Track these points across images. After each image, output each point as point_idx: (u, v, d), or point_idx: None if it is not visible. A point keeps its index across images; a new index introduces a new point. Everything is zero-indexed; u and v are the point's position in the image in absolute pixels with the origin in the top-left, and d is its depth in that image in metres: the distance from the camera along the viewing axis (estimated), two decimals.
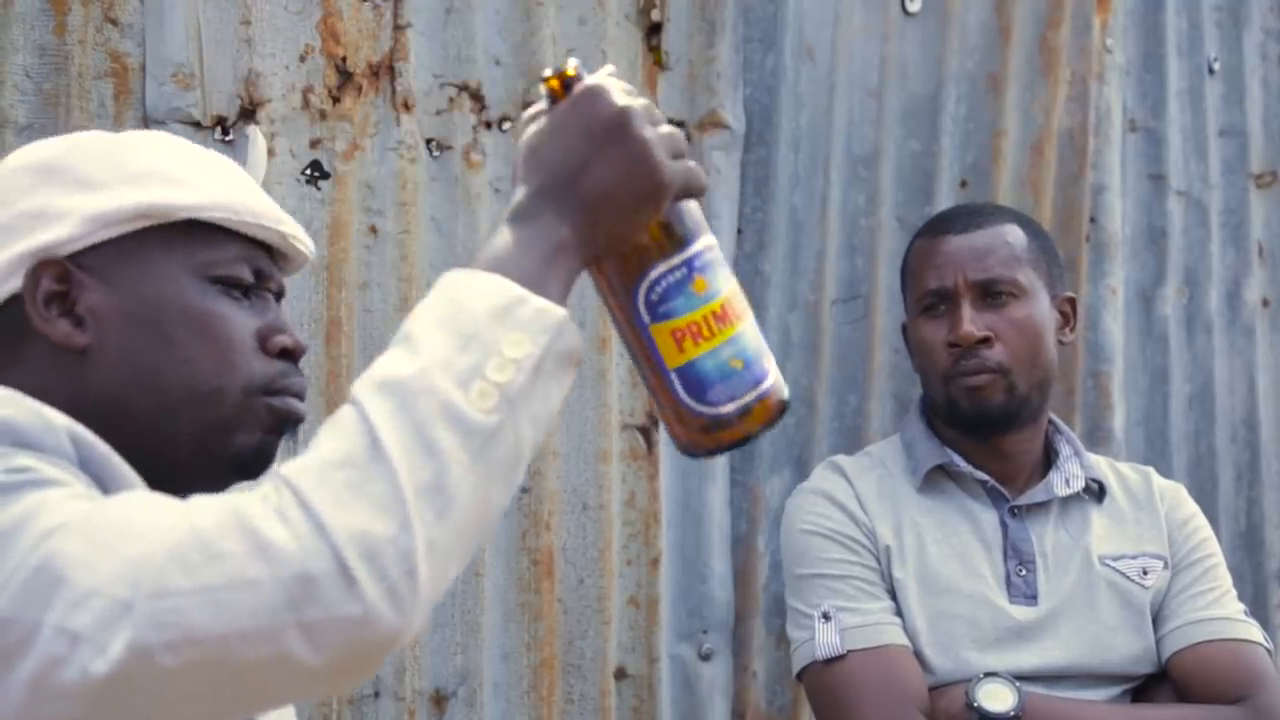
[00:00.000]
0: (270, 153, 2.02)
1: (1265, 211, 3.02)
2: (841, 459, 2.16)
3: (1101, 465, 2.16)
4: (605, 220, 1.06)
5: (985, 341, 2.03)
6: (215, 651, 0.89)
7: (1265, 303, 3.01)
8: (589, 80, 1.10)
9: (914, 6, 2.53)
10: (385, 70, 2.11)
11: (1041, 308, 2.07)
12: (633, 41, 2.31)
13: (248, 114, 2.01)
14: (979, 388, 2.03)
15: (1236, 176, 2.97)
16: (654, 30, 2.33)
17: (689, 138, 2.36)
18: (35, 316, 1.15)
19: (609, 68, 1.13)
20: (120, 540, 0.92)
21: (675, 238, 1.11)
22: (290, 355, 1.22)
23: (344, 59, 2.08)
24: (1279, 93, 3.05)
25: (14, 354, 1.16)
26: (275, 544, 0.90)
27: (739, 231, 2.40)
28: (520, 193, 1.07)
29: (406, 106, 2.12)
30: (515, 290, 1.00)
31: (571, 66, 1.11)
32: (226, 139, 2.00)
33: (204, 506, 0.94)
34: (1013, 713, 1.90)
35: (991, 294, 2.05)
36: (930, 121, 2.55)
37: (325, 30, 2.07)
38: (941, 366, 2.06)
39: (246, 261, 1.21)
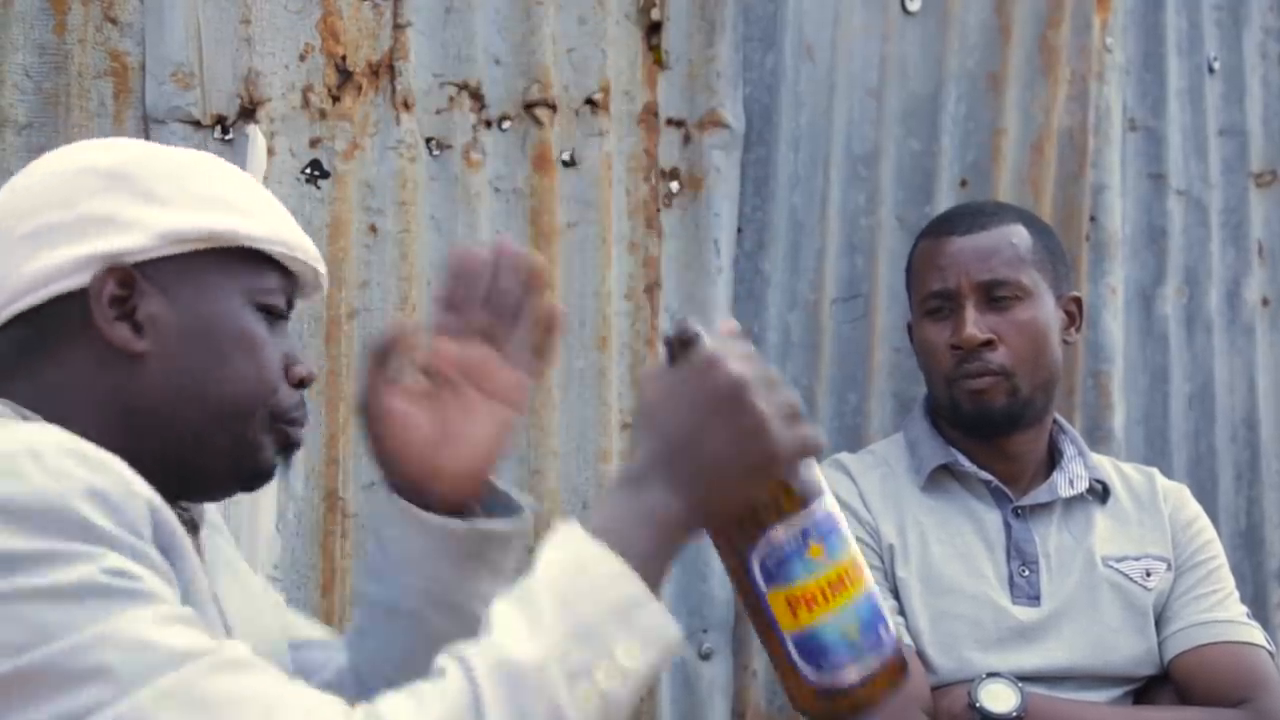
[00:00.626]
0: (270, 152, 2.02)
1: (1265, 211, 3.02)
2: (845, 457, 2.15)
3: (1105, 466, 2.16)
4: (717, 493, 1.07)
5: (988, 344, 2.02)
6: None
7: (1265, 302, 3.01)
8: (709, 346, 1.10)
9: (914, 6, 2.53)
10: (385, 69, 2.11)
11: (1046, 309, 2.06)
12: (633, 41, 2.31)
13: (247, 113, 2.01)
14: (982, 390, 2.02)
15: (1236, 176, 2.97)
16: (654, 29, 2.33)
17: (689, 137, 2.36)
18: (100, 317, 1.17)
19: (730, 325, 1.15)
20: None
21: (793, 501, 1.11)
22: (304, 384, 1.27)
23: (344, 58, 2.08)
24: (1279, 92, 3.05)
25: (56, 351, 1.18)
26: None
27: (739, 231, 2.40)
28: (637, 454, 1.09)
29: (406, 106, 2.12)
30: (638, 588, 1.01)
31: (693, 328, 1.11)
32: (226, 138, 2.00)
33: (316, 706, 0.96)
34: (1015, 713, 1.90)
35: (995, 296, 2.04)
36: (930, 121, 2.55)
37: (325, 29, 2.07)
38: (944, 368, 2.05)
39: (284, 292, 1.26)
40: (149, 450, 1.15)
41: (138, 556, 1.02)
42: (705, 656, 2.33)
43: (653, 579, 1.03)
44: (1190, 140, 2.89)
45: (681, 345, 1.11)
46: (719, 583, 2.33)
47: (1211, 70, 2.94)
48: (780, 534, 1.10)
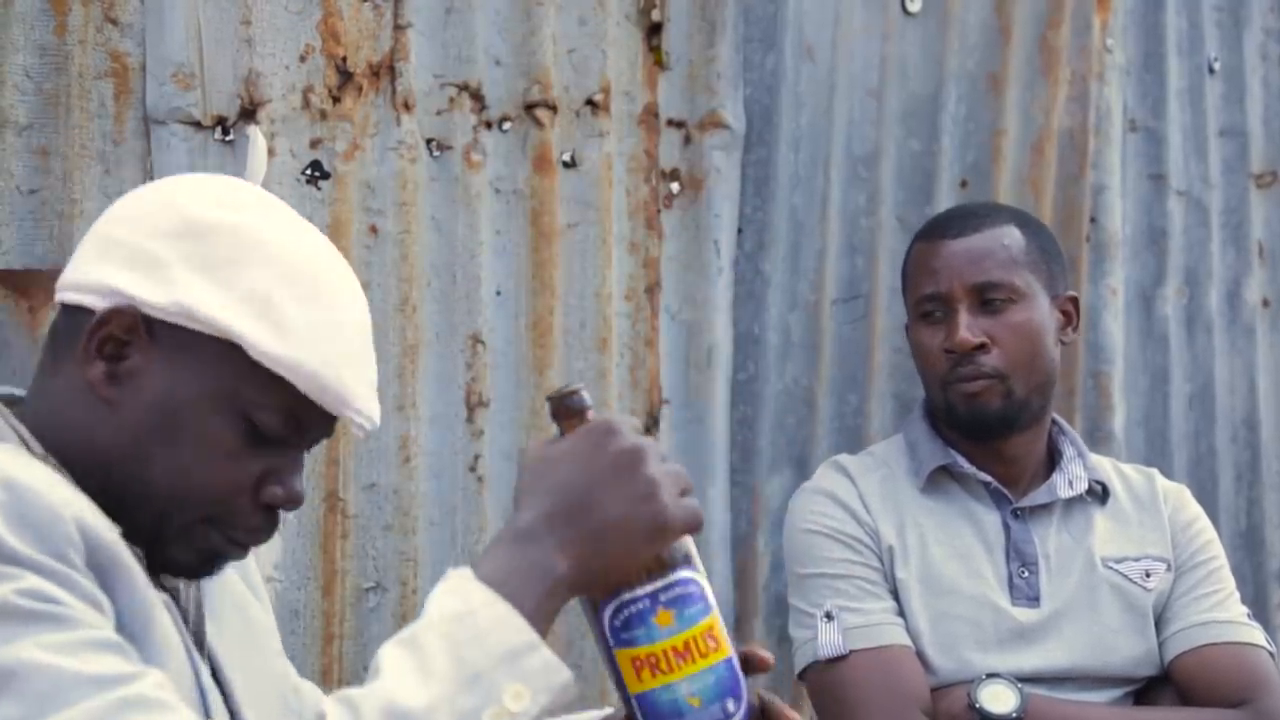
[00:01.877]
0: (270, 153, 2.02)
1: (1265, 211, 3.02)
2: (845, 458, 2.15)
3: (1105, 467, 2.15)
4: (605, 555, 1.08)
5: (982, 347, 2.02)
6: None
7: (1265, 303, 3.01)
8: (603, 415, 1.12)
9: (914, 6, 2.53)
10: (385, 70, 2.11)
11: (1040, 310, 2.06)
12: (633, 41, 2.31)
13: (248, 114, 2.01)
14: (976, 394, 2.02)
15: (1237, 176, 2.97)
16: (654, 30, 2.33)
17: (689, 138, 2.36)
18: (83, 350, 1.16)
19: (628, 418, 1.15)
20: None
21: (652, 566, 1.11)
22: (272, 506, 1.20)
23: (344, 59, 2.08)
24: (1279, 92, 3.05)
25: (64, 358, 1.18)
26: None
27: (739, 231, 2.40)
28: (526, 511, 1.08)
29: (407, 106, 2.12)
30: (528, 635, 1.02)
31: (581, 397, 1.13)
32: (226, 139, 2.00)
33: None
34: (1015, 714, 1.90)
35: (988, 299, 2.03)
36: (930, 121, 2.55)
37: (325, 30, 2.07)
38: (939, 372, 2.05)
39: (286, 415, 1.18)
40: (107, 485, 1.15)
41: (60, 581, 1.00)
42: None
43: (539, 631, 1.04)
44: (1190, 141, 2.90)
45: (569, 412, 1.13)
46: (719, 584, 2.33)
47: (1212, 71, 2.94)
48: (631, 596, 1.11)
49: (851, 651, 1.96)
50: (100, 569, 1.05)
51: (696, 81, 2.36)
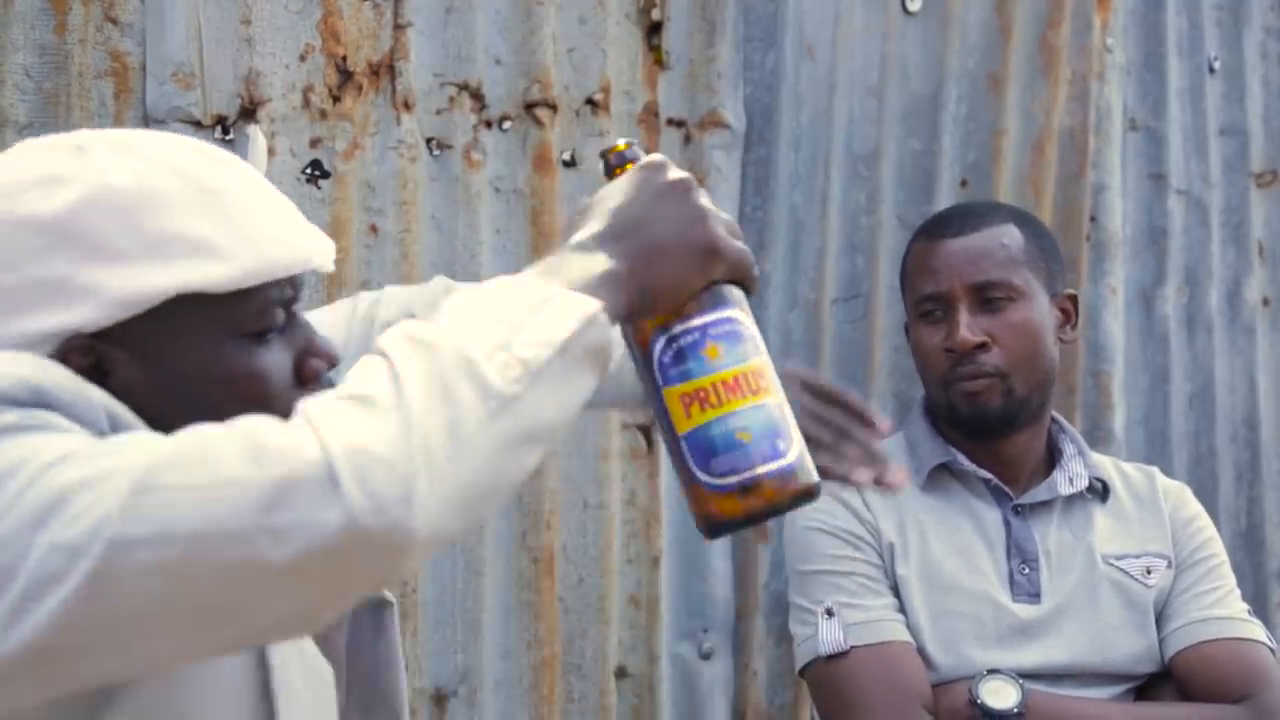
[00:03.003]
0: (270, 152, 2.02)
1: (1265, 211, 3.02)
2: None
3: (1106, 464, 2.16)
4: (656, 268, 1.08)
5: (982, 346, 2.02)
6: (187, 549, 0.88)
7: (1265, 302, 3.01)
8: (653, 155, 1.14)
9: (914, 5, 2.53)
10: (385, 69, 2.11)
11: (1040, 309, 2.06)
12: (633, 41, 2.31)
13: (248, 113, 2.01)
14: (977, 393, 2.02)
15: (1237, 176, 2.97)
16: (654, 29, 2.33)
17: (689, 137, 2.36)
18: None
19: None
20: (123, 454, 0.92)
21: (702, 302, 1.11)
22: (320, 380, 1.18)
23: (344, 58, 2.08)
24: (1279, 91, 3.05)
25: None
26: (269, 448, 0.90)
27: None
28: (577, 234, 1.09)
29: (407, 106, 2.12)
30: (555, 290, 1.02)
31: (627, 141, 1.16)
32: (227, 138, 2.00)
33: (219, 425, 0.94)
34: (1016, 710, 1.90)
35: (988, 298, 2.04)
36: (931, 120, 2.55)
37: (325, 29, 2.07)
38: (939, 371, 2.06)
39: (277, 303, 1.15)
40: None
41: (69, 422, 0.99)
42: (705, 656, 2.33)
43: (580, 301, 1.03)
44: (1191, 140, 2.90)
45: (622, 164, 1.15)
46: (719, 582, 2.34)
47: (1212, 70, 2.94)
48: (681, 329, 1.11)
49: (852, 648, 1.96)
50: None
51: (696, 81, 2.36)
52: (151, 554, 0.89)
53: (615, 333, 1.05)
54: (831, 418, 1.29)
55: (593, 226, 1.09)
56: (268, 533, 0.88)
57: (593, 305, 1.01)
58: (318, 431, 0.90)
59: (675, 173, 1.12)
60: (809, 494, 1.11)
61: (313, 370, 1.17)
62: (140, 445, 0.94)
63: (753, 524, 1.11)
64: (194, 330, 1.11)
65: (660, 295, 1.09)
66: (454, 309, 1.00)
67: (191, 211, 1.10)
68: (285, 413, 1.05)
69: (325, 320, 1.46)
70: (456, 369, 0.95)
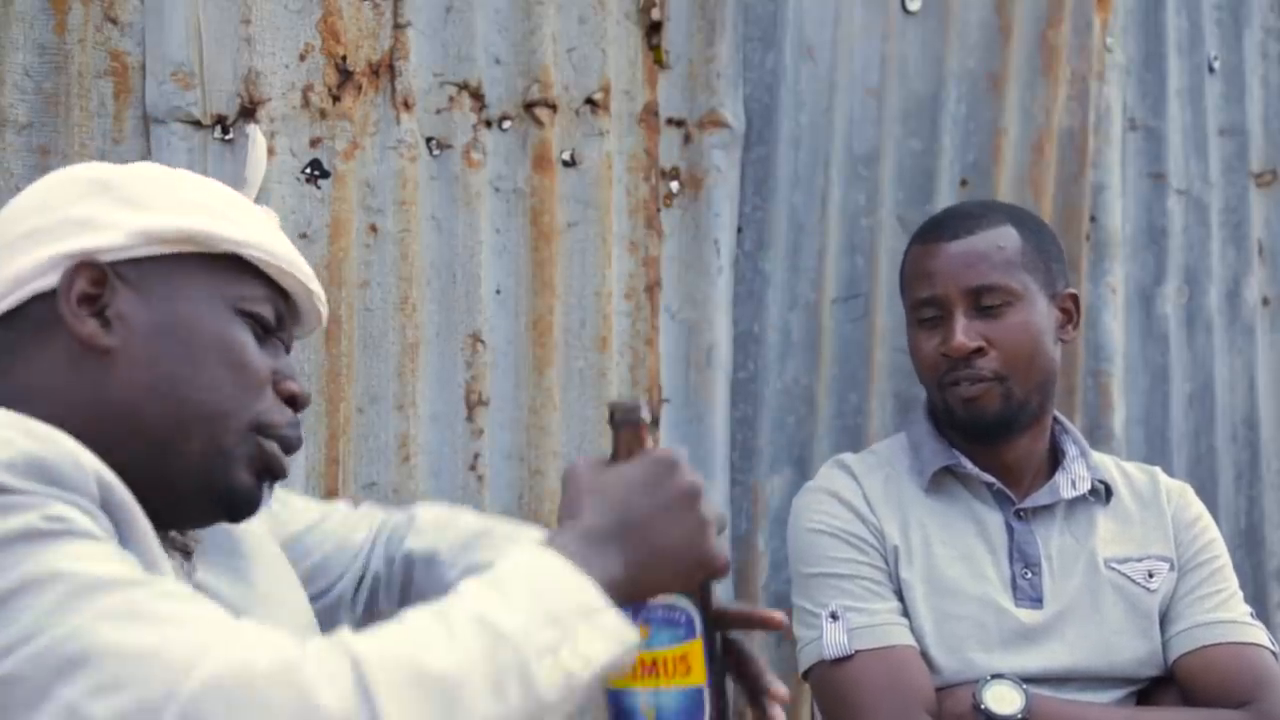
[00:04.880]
0: (270, 152, 2.02)
1: (1265, 210, 3.02)
2: (848, 457, 2.14)
3: (1108, 465, 2.15)
4: (653, 577, 1.13)
5: (979, 351, 2.01)
6: None
7: (1265, 301, 3.01)
8: (664, 448, 1.19)
9: (914, 5, 2.53)
10: (385, 69, 2.11)
11: (1038, 311, 2.04)
12: (633, 40, 2.31)
13: (248, 113, 2.01)
14: (975, 397, 2.02)
15: (1237, 175, 2.97)
16: (654, 29, 2.33)
17: (689, 137, 2.36)
18: (66, 312, 1.16)
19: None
20: (163, 640, 0.92)
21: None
22: (296, 403, 1.24)
23: (344, 58, 2.08)
24: (1279, 91, 3.05)
25: (33, 352, 1.18)
26: (320, 711, 0.91)
27: (739, 230, 2.40)
28: (592, 517, 1.12)
29: (406, 105, 2.12)
30: (600, 599, 1.05)
31: (637, 403, 1.22)
32: (226, 138, 2.00)
33: (260, 638, 0.94)
34: (1020, 715, 1.90)
35: (984, 303, 2.02)
36: (931, 120, 2.55)
37: (325, 29, 2.07)
38: (936, 375, 2.05)
39: (271, 304, 1.24)
40: (120, 459, 1.11)
41: (83, 510, 1.01)
42: None
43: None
44: (1190, 140, 2.89)
45: (630, 425, 1.20)
46: (718, 583, 2.33)
47: (1212, 70, 2.94)
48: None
49: (857, 652, 1.96)
50: (116, 521, 1.05)
51: (696, 80, 2.36)
52: None
53: None
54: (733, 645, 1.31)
55: (606, 515, 1.12)
56: None
57: (634, 636, 1.06)
58: (372, 704, 0.92)
59: (687, 475, 1.15)
60: None
61: (287, 388, 1.24)
62: (184, 633, 0.93)
63: None
64: (196, 286, 1.20)
65: (645, 593, 1.14)
66: (509, 579, 1.03)
67: (213, 194, 1.25)
68: (255, 409, 1.18)
69: (345, 513, 1.52)
70: (512, 665, 0.98)
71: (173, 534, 1.21)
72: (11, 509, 0.97)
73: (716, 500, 2.33)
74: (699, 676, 1.19)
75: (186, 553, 1.23)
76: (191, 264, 1.20)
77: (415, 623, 0.98)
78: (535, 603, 1.01)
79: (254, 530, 1.32)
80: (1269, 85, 3.03)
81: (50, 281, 1.17)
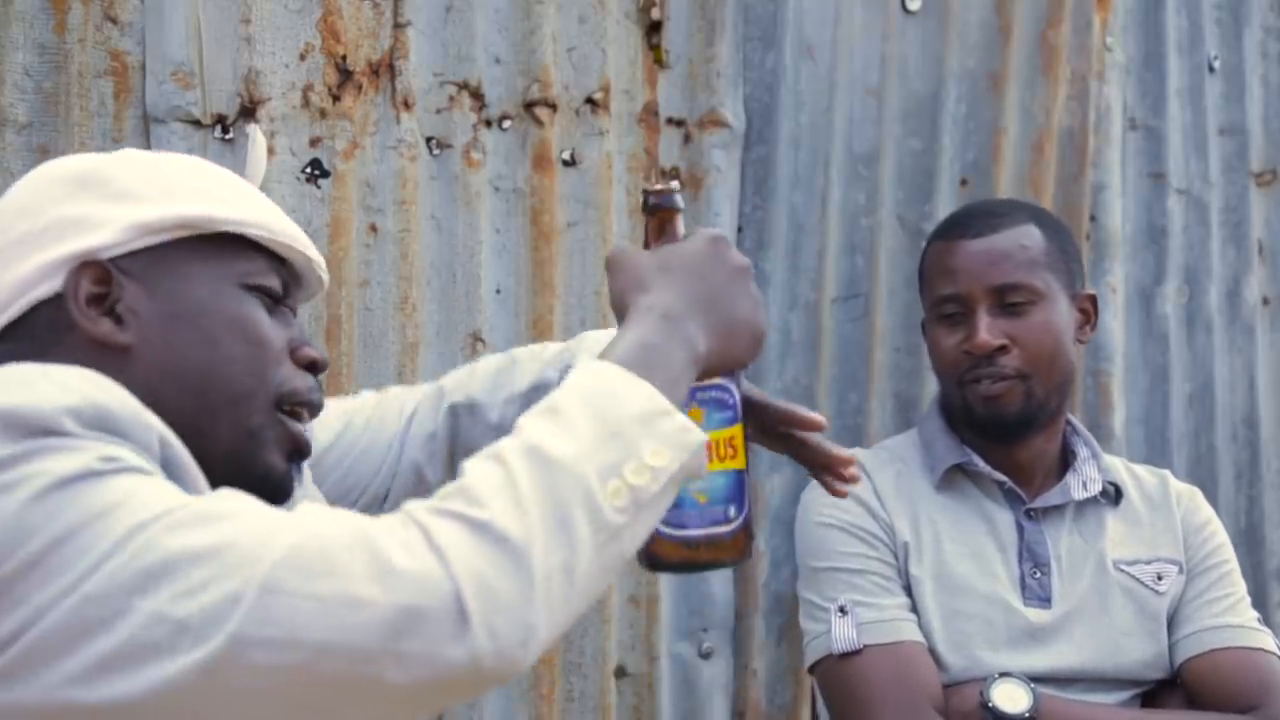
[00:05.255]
0: (270, 151, 2.02)
1: (1265, 210, 3.02)
2: (859, 452, 2.14)
3: (1118, 468, 2.15)
4: (730, 347, 1.16)
5: (1002, 349, 2.01)
6: (311, 658, 0.91)
7: (1265, 301, 3.01)
8: (712, 229, 1.23)
9: (914, 5, 2.53)
10: (385, 68, 2.11)
11: (1060, 310, 2.04)
12: (633, 40, 2.31)
13: (248, 112, 2.01)
14: (996, 395, 2.01)
15: (1237, 175, 2.97)
16: (654, 28, 2.33)
17: (689, 136, 2.36)
18: (78, 315, 1.16)
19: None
20: (233, 534, 0.94)
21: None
22: (315, 368, 1.25)
23: (344, 57, 2.08)
24: (1279, 91, 3.05)
25: (49, 360, 1.16)
26: (397, 569, 0.92)
27: (739, 230, 2.40)
28: (663, 294, 1.14)
29: (406, 105, 2.12)
30: (662, 402, 1.05)
31: (671, 186, 1.26)
32: (226, 137, 2.00)
33: (326, 516, 0.96)
34: (1027, 714, 1.90)
35: (1008, 301, 2.02)
36: (931, 120, 2.55)
37: (325, 28, 2.07)
38: (956, 372, 2.04)
39: (276, 274, 1.24)
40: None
41: (140, 455, 1.02)
42: (705, 656, 2.33)
43: (676, 401, 1.08)
44: (1190, 139, 2.90)
45: (665, 209, 1.24)
46: (719, 582, 2.34)
47: (1212, 69, 2.94)
48: None
49: (865, 646, 1.96)
50: (174, 479, 1.06)
51: (696, 80, 2.36)
52: (271, 656, 0.91)
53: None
54: (786, 431, 1.36)
55: (678, 291, 1.15)
56: (392, 656, 0.92)
57: (698, 437, 1.06)
58: (446, 561, 0.93)
59: (737, 254, 1.19)
60: (736, 562, 1.23)
61: (306, 354, 1.24)
62: (251, 523, 0.95)
63: (684, 573, 1.24)
64: (200, 269, 1.19)
65: (722, 367, 1.17)
66: (564, 404, 1.03)
67: (203, 175, 1.25)
68: (277, 382, 1.19)
69: (369, 413, 1.54)
70: (575, 497, 0.98)
71: None
72: (69, 450, 0.98)
73: None
74: (742, 460, 1.21)
75: None
76: (191, 248, 1.20)
77: (475, 477, 0.98)
78: (593, 421, 1.02)
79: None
80: (1269, 85, 3.03)
81: (53, 287, 1.17)
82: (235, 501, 0.99)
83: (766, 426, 1.32)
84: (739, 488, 1.21)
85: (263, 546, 0.93)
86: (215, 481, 1.18)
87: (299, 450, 1.23)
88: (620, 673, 2.27)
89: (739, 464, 1.21)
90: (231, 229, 1.21)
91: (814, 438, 1.32)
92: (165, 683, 0.92)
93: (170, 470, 1.06)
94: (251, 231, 1.22)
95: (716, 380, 1.18)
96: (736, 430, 1.21)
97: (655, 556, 1.20)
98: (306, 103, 2.06)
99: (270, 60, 2.03)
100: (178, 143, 1.96)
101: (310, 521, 0.96)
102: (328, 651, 0.91)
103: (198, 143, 1.98)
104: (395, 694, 0.93)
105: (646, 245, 1.23)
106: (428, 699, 0.95)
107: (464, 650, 0.92)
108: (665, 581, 2.29)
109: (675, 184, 1.25)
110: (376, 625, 0.91)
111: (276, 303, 1.24)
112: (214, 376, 1.18)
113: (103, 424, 1.02)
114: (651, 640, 2.28)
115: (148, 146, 1.96)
